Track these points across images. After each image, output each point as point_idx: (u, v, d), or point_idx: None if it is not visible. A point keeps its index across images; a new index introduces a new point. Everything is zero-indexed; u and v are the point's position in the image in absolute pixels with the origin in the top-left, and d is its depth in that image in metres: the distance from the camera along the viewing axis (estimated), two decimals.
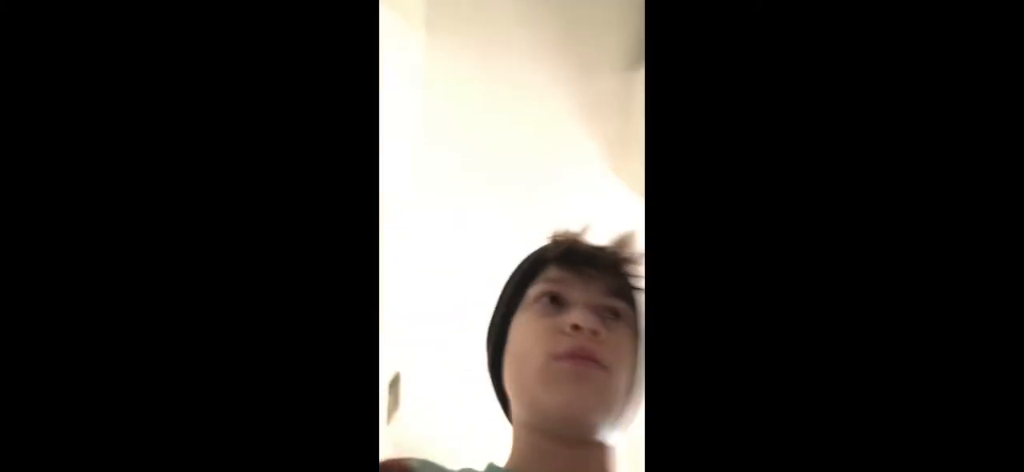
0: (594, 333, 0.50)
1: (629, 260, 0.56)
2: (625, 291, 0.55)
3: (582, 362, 0.50)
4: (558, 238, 0.58)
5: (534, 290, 0.56)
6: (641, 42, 1.11)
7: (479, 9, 1.10)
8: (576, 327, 0.50)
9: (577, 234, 0.58)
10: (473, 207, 1.46)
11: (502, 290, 0.60)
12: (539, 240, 0.60)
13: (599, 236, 0.58)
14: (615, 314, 0.54)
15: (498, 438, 0.59)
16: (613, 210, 1.39)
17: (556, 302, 0.54)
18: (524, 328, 0.55)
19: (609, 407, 0.50)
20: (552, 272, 0.56)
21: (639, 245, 0.56)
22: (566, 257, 0.56)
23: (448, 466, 0.52)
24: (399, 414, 1.97)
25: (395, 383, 1.96)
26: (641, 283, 0.57)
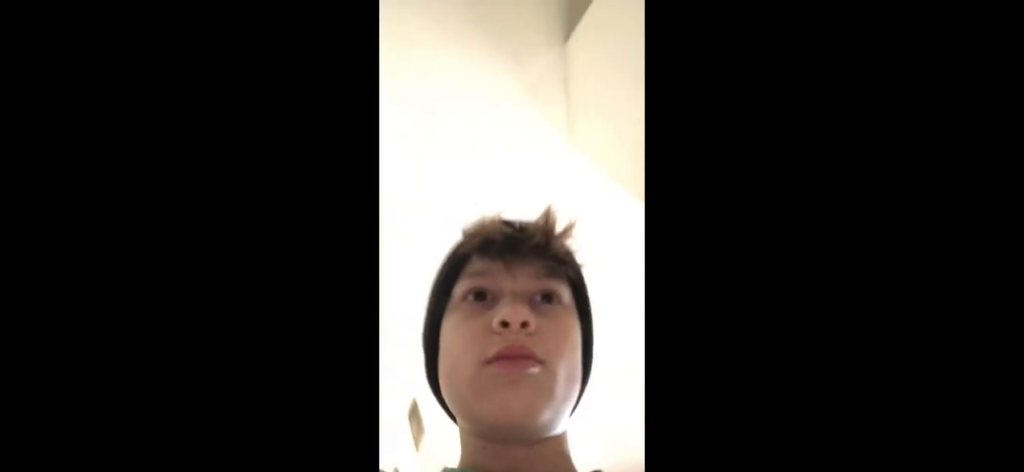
0: (524, 326, 0.47)
1: (556, 235, 0.52)
2: (557, 270, 0.52)
3: (514, 363, 0.46)
4: (470, 229, 0.53)
5: (459, 288, 0.52)
6: (563, 17, 1.18)
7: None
8: (504, 324, 0.47)
9: (491, 220, 0.53)
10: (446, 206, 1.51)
11: (429, 294, 0.56)
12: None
13: (518, 215, 0.54)
14: (548, 297, 0.51)
15: None
16: (587, 185, 1.44)
17: (482, 298, 0.50)
18: (453, 333, 0.50)
19: (550, 403, 0.47)
20: (475, 265, 0.52)
21: (564, 216, 0.52)
22: (485, 247, 0.52)
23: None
24: (425, 440, 1.95)
25: (415, 411, 1.91)
26: (578, 257, 0.54)
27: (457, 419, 0.52)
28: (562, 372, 0.48)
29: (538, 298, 0.50)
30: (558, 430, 0.50)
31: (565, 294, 0.52)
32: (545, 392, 0.47)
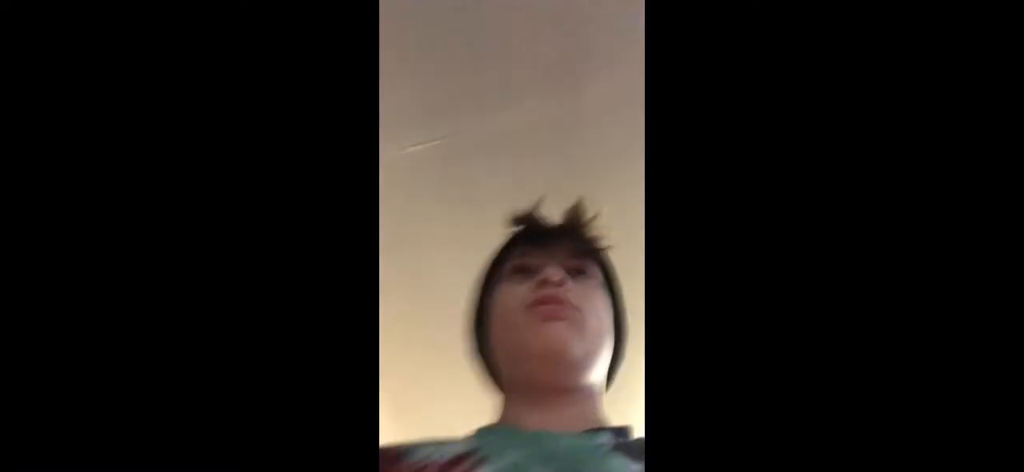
0: (560, 284, 0.58)
1: (583, 224, 0.65)
2: (586, 251, 0.64)
3: (555, 305, 0.57)
4: (518, 217, 0.66)
5: (507, 267, 0.64)
6: None
7: None
8: (544, 282, 0.58)
9: (531, 211, 0.66)
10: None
11: (477, 280, 0.68)
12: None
13: (555, 209, 0.67)
14: (579, 272, 0.62)
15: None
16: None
17: (526, 271, 0.62)
18: (503, 296, 0.62)
19: (582, 337, 0.57)
20: (519, 249, 0.65)
21: (590, 209, 0.65)
22: (528, 234, 0.65)
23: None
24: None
25: None
26: (602, 242, 0.66)
27: (503, 374, 0.62)
28: (592, 319, 0.59)
29: (573, 271, 0.61)
30: (592, 378, 0.59)
31: (595, 272, 0.64)
32: (577, 328, 0.57)
